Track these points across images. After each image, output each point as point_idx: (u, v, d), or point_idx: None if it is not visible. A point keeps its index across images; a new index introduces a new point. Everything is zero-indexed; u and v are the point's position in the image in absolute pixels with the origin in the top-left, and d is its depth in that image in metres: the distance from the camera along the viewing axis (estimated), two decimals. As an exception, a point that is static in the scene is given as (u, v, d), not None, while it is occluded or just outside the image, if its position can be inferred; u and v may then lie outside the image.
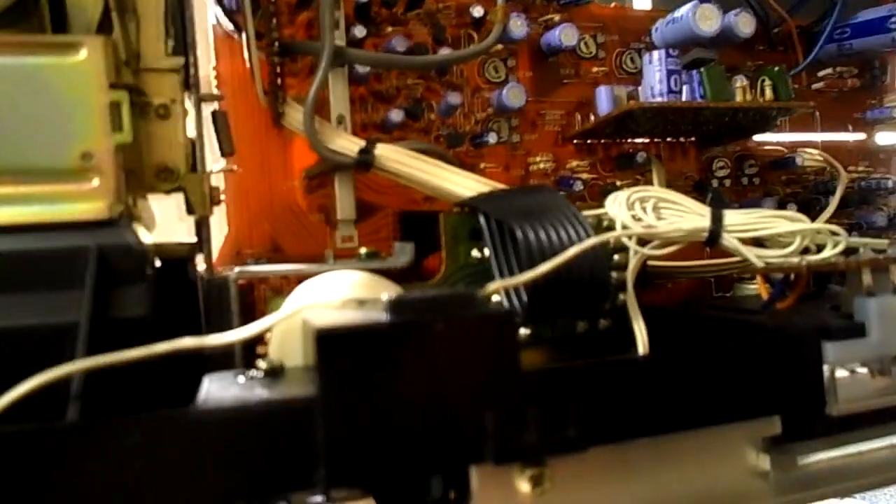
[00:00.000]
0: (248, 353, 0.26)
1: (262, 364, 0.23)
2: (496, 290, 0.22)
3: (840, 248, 0.27)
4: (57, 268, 0.23)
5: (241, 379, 0.22)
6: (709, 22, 0.39)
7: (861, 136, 0.48)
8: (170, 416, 0.18)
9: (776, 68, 0.37)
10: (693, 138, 0.44)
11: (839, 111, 0.47)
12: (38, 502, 0.17)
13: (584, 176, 0.41)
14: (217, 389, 0.21)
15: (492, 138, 0.39)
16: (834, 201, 0.41)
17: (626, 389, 0.21)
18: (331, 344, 0.19)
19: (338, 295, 0.24)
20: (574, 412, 0.21)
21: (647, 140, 0.43)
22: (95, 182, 0.24)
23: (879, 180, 0.47)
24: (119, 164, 0.25)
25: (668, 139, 0.43)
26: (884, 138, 0.49)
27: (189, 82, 0.30)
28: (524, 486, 0.21)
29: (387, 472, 0.19)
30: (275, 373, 0.23)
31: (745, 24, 0.40)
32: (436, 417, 0.20)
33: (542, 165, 0.40)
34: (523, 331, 0.29)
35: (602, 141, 0.42)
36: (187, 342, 0.21)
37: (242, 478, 0.18)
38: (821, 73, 0.46)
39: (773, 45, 0.45)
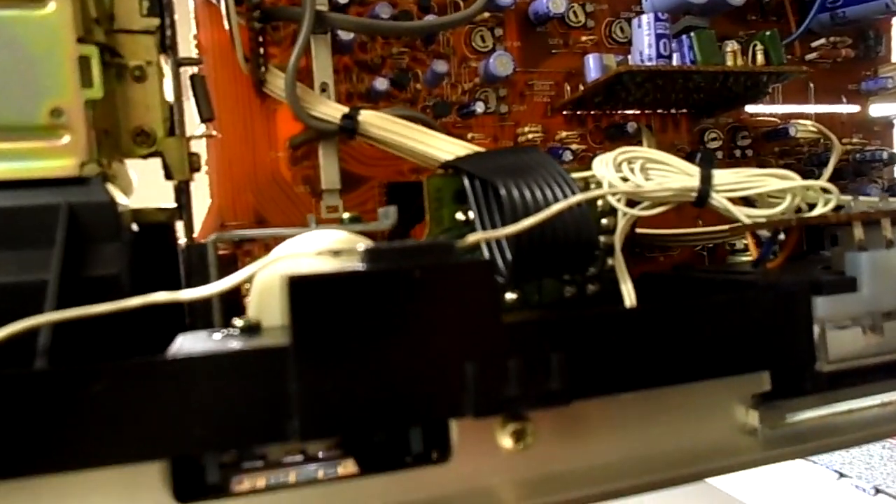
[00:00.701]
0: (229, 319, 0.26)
1: (238, 322, 0.22)
2: (476, 242, 0.21)
3: (831, 205, 0.27)
4: (26, 225, 0.23)
5: (217, 336, 0.22)
6: (699, -12, 0.38)
7: (855, 107, 0.48)
8: (137, 363, 0.17)
9: (768, 33, 0.37)
10: (685, 110, 0.43)
11: (833, 82, 0.47)
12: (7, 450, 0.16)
13: (574, 146, 0.40)
14: (189, 344, 0.20)
15: (479, 108, 0.38)
16: (827, 171, 0.40)
17: (611, 342, 0.21)
18: (305, 291, 0.18)
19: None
20: (557, 365, 0.20)
21: (637, 112, 0.42)
22: (66, 139, 0.24)
23: (874, 152, 0.46)
24: (90, 121, 0.24)
25: (660, 111, 0.43)
26: (878, 110, 0.48)
27: (166, 45, 0.29)
28: (506, 440, 0.20)
29: (361, 423, 0.19)
30: (251, 330, 0.22)
31: (736, -10, 0.39)
32: (413, 368, 0.19)
33: (531, 136, 0.40)
34: (510, 295, 0.28)
35: (592, 112, 0.41)
36: (160, 296, 0.20)
37: (213, 427, 0.18)
38: (814, 44, 0.45)
39: (765, 15, 0.44)
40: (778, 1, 0.44)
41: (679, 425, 0.22)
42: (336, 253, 0.20)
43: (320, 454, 0.21)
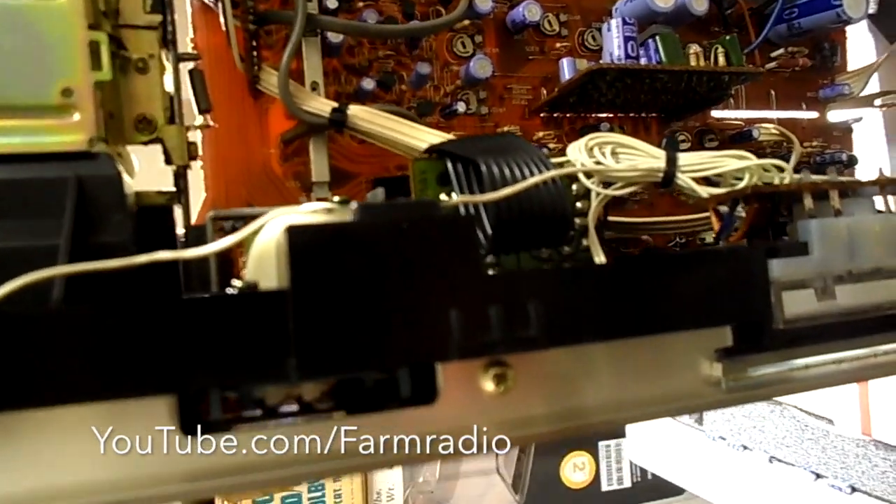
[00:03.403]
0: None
1: (236, 283, 0.24)
2: (457, 203, 0.23)
3: (786, 181, 0.29)
4: (38, 196, 0.24)
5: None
6: (664, -3, 0.41)
7: (814, 114, 0.51)
8: (140, 304, 0.19)
9: (728, 37, 0.39)
10: (654, 113, 0.46)
11: (793, 90, 0.50)
12: (23, 383, 0.18)
13: (551, 146, 0.43)
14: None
15: (461, 107, 0.40)
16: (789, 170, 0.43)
17: (584, 295, 0.23)
18: (301, 239, 0.20)
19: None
20: (535, 313, 0.22)
21: (610, 114, 0.45)
22: (76, 117, 0.25)
23: (833, 154, 0.49)
24: (98, 101, 0.26)
25: (631, 114, 0.45)
26: (837, 116, 0.51)
27: (167, 40, 0.31)
28: (488, 384, 0.22)
29: (354, 363, 0.20)
30: (250, 289, 0.24)
31: (698, 1, 0.42)
32: (402, 314, 0.21)
33: (510, 135, 0.42)
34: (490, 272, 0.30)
35: (568, 115, 0.44)
36: (164, 254, 0.22)
37: (217, 366, 0.19)
38: (773, 54, 0.48)
39: (727, 26, 0.47)
40: (738, 12, 0.47)
41: (648, 374, 0.24)
42: (329, 211, 0.22)
43: (315, 404, 0.23)
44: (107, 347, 0.18)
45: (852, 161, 0.51)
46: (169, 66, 0.32)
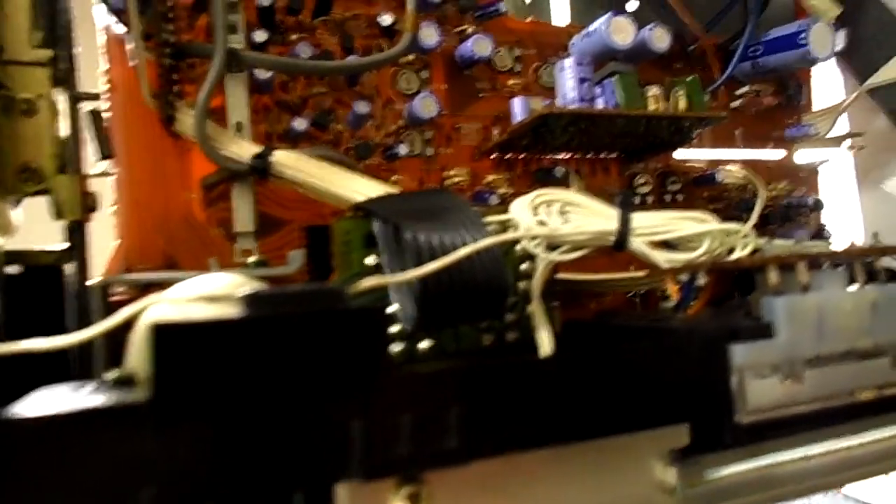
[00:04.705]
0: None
1: (110, 374, 0.20)
2: (369, 288, 0.20)
3: (749, 248, 0.26)
4: None
5: (84, 390, 0.19)
6: (623, 34, 0.38)
7: (781, 153, 0.49)
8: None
9: (689, 78, 0.37)
10: (614, 154, 0.43)
11: (759, 129, 0.48)
12: None
13: (502, 190, 0.40)
14: (41, 399, 0.18)
15: (402, 149, 0.37)
16: (753, 216, 0.40)
17: (515, 394, 0.19)
18: (170, 341, 0.16)
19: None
20: (454, 420, 0.18)
21: (567, 156, 0.42)
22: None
23: (800, 198, 0.47)
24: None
25: (589, 155, 0.43)
26: (803, 156, 0.49)
27: (61, 78, 0.28)
28: (400, 505, 0.18)
29: (232, 491, 0.17)
30: (124, 383, 0.20)
31: (660, 38, 0.40)
32: (293, 427, 0.17)
33: (457, 180, 0.39)
34: (425, 343, 0.27)
35: (521, 156, 0.41)
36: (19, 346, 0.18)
37: (57, 495, 0.16)
38: (738, 92, 0.46)
39: (690, 62, 0.45)
40: (702, 49, 0.44)
41: (591, 485, 0.20)
42: (213, 299, 0.19)
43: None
44: None
45: (818, 205, 0.48)
46: (65, 107, 0.28)
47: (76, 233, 0.28)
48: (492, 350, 0.28)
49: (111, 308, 0.27)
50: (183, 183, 0.35)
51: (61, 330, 0.27)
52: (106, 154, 0.29)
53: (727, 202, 0.46)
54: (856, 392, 0.25)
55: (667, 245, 0.28)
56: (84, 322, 0.27)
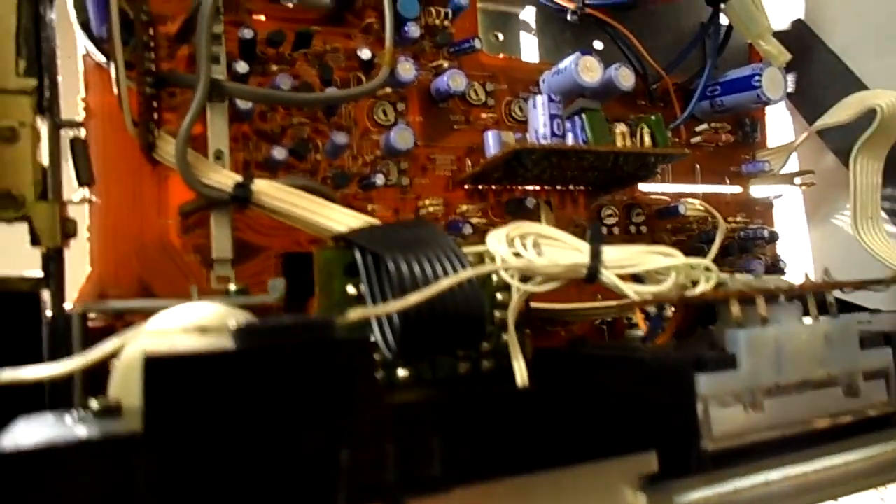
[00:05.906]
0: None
1: (94, 404, 0.20)
2: (357, 318, 0.20)
3: (712, 283, 0.27)
4: None
5: (67, 420, 0.20)
6: (591, 73, 0.40)
7: (738, 188, 0.51)
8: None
9: (653, 117, 0.39)
10: (582, 186, 0.45)
11: (717, 164, 0.50)
12: None
13: (475, 220, 0.41)
14: (24, 430, 0.18)
15: (379, 179, 0.38)
16: (713, 249, 0.42)
17: (492, 424, 0.20)
18: (161, 373, 0.17)
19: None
20: (437, 448, 0.19)
21: (537, 187, 0.43)
22: None
23: (756, 230, 0.49)
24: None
25: (559, 187, 0.44)
26: (758, 191, 0.51)
27: (44, 106, 0.28)
28: (384, 532, 0.19)
29: (223, 519, 0.17)
30: (109, 412, 0.20)
31: (625, 77, 0.42)
32: (282, 457, 0.18)
33: (431, 209, 0.40)
34: (402, 372, 0.28)
35: (493, 187, 0.42)
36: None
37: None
38: (698, 129, 0.48)
39: (653, 100, 0.47)
40: (664, 88, 0.46)
41: (566, 509, 0.21)
42: (203, 329, 0.19)
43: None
44: None
45: (773, 237, 0.51)
46: (46, 134, 0.28)
47: (54, 259, 0.28)
48: (468, 378, 0.29)
49: (90, 335, 0.27)
50: (160, 209, 0.35)
51: (38, 357, 0.27)
52: (86, 181, 0.29)
53: (689, 233, 0.48)
54: (812, 420, 0.26)
55: (635, 278, 0.29)
56: (60, 349, 0.27)
